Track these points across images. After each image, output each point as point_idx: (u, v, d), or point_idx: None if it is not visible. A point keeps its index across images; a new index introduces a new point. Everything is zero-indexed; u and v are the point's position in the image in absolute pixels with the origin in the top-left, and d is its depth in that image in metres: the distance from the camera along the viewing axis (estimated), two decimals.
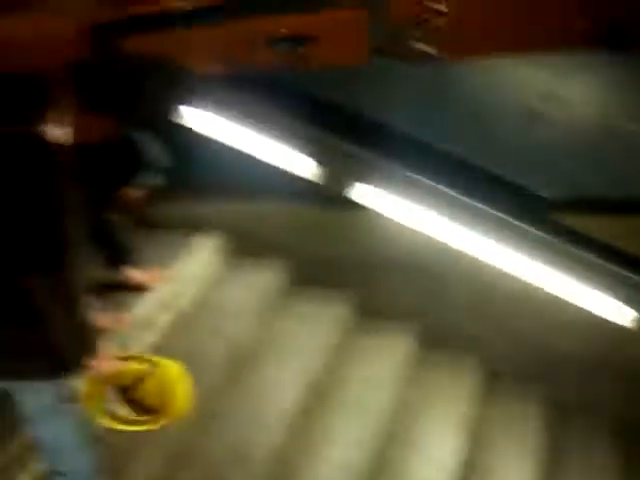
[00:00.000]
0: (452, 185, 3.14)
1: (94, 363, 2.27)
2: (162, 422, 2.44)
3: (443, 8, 3.29)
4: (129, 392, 2.46)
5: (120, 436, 2.60)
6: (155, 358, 2.52)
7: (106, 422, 2.45)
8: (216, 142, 3.43)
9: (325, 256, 3.56)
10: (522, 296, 3.25)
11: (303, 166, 3.22)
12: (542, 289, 3.06)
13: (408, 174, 3.15)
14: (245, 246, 4.10)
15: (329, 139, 3.27)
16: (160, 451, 2.93)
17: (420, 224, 3.17)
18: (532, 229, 2.94)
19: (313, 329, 3.75)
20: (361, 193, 3.19)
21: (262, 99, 3.31)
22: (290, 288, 3.95)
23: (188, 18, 3.42)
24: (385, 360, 3.83)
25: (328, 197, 3.51)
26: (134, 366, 2.48)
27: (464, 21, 3.51)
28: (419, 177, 3.13)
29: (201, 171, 3.66)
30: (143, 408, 2.46)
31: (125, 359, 2.50)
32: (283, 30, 3.75)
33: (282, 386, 3.48)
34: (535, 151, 3.21)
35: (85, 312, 2.22)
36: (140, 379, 2.46)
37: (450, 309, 3.83)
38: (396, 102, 3.33)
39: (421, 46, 3.24)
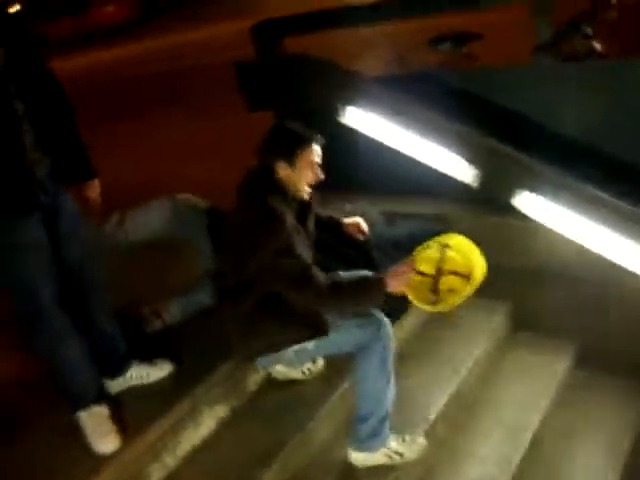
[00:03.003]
0: (621, 196, 2.99)
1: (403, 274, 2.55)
2: (479, 279, 2.65)
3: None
4: (440, 274, 2.67)
5: None
6: (440, 239, 2.73)
7: (445, 303, 2.62)
8: (379, 143, 3.44)
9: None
10: None
11: (462, 170, 3.16)
12: None
13: (575, 184, 3.04)
14: None
15: (494, 144, 3.23)
16: None
17: (583, 235, 3.11)
18: None
19: (469, 338, 3.53)
20: (525, 202, 3.10)
21: (427, 101, 3.33)
22: None
23: (350, 17, 3.63)
24: (540, 379, 3.49)
25: (491, 203, 3.41)
26: (429, 255, 2.70)
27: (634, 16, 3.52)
28: (586, 187, 3.01)
29: (364, 172, 3.66)
30: (458, 275, 2.66)
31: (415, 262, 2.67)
32: (445, 29, 3.87)
33: (429, 389, 3.20)
34: None
35: None
36: (441, 260, 2.69)
37: (614, 330, 3.52)
38: (562, 104, 3.27)
39: (589, 43, 3.24)
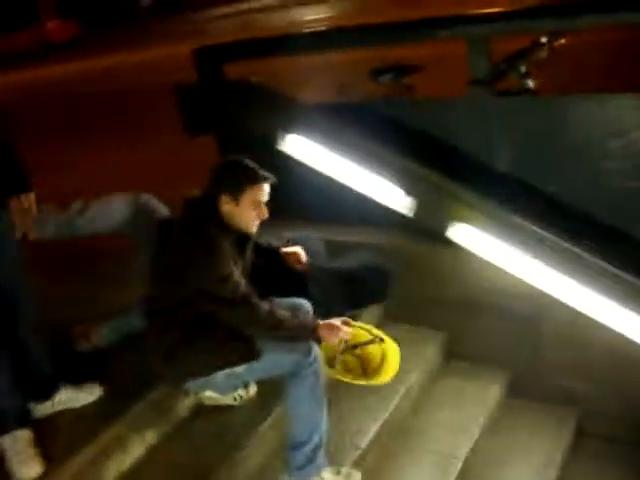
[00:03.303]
0: (551, 229, 3.07)
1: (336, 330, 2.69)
2: (374, 383, 2.87)
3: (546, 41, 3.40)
4: (355, 350, 2.90)
5: None
6: (380, 332, 2.94)
7: (337, 374, 2.82)
8: (312, 170, 3.47)
9: (414, 292, 3.45)
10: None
11: (399, 200, 3.21)
12: None
13: (509, 217, 3.11)
14: None
15: (429, 174, 3.28)
16: None
17: (517, 268, 3.16)
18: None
19: (402, 366, 3.55)
20: (460, 233, 3.17)
21: (366, 131, 3.37)
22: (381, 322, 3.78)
23: (293, 45, 3.66)
24: (472, 407, 3.53)
25: (422, 232, 3.46)
26: (367, 332, 2.92)
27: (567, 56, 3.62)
28: (518, 219, 3.09)
29: (296, 198, 3.67)
30: (361, 367, 2.89)
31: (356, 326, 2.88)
32: (388, 60, 3.93)
33: (360, 418, 3.22)
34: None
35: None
36: (367, 343, 2.92)
37: (545, 360, 3.60)
38: (493, 137, 3.35)
39: (523, 80, 3.34)
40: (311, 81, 6.02)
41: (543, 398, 3.61)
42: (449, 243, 3.43)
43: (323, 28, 5.84)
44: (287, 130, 3.78)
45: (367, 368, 2.90)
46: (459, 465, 3.14)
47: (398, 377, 3.33)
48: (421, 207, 3.41)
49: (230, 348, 2.65)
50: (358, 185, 3.58)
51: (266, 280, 2.88)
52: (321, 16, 11.72)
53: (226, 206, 2.60)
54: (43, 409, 2.84)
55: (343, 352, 2.85)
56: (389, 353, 2.90)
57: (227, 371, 2.68)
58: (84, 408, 2.88)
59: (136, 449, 2.82)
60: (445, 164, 3.58)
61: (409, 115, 3.76)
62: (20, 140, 2.72)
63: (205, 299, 2.55)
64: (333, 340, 2.70)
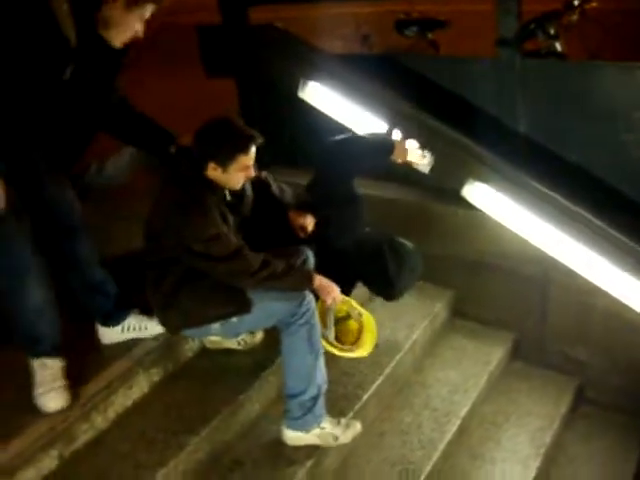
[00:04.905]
0: (567, 195, 3.04)
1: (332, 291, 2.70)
2: (356, 354, 2.94)
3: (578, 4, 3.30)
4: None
5: None
6: (359, 307, 3.00)
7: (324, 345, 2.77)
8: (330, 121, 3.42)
9: (426, 249, 3.45)
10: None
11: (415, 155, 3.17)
12: None
13: (525, 179, 3.08)
14: None
15: (447, 131, 3.24)
16: None
17: (531, 232, 3.19)
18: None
19: (409, 321, 3.57)
20: (474, 192, 3.14)
21: (383, 82, 3.32)
22: None
23: None
24: (474, 366, 3.54)
25: (437, 189, 3.43)
26: (348, 306, 2.98)
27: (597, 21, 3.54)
28: (536, 184, 3.06)
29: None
30: (339, 340, 2.90)
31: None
32: (414, 13, 3.86)
33: (364, 371, 3.22)
34: None
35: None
36: (346, 317, 3.00)
37: (551, 326, 3.60)
38: (517, 99, 3.30)
39: (551, 42, 3.27)
40: (335, 31, 5.93)
41: (546, 364, 3.63)
42: (463, 202, 3.41)
43: None
44: (308, 78, 3.73)
45: (345, 343, 2.93)
46: (457, 423, 3.16)
47: (403, 332, 3.37)
48: (438, 164, 3.38)
49: (220, 299, 2.64)
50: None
51: (266, 233, 2.86)
52: None
53: (213, 172, 2.55)
54: (111, 334, 2.84)
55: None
56: (367, 327, 2.98)
57: (221, 321, 2.69)
58: (92, 342, 2.88)
59: (142, 386, 2.85)
60: (465, 122, 3.54)
61: (430, 70, 3.69)
62: None
63: (195, 257, 2.53)
64: (329, 299, 2.71)
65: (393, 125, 3.35)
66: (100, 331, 2.85)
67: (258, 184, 2.93)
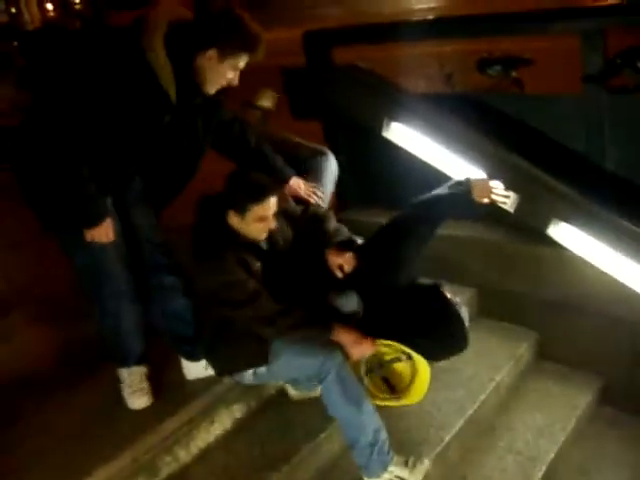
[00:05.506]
0: None
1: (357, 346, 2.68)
2: (403, 402, 2.86)
3: None
4: (381, 369, 2.87)
5: None
6: (405, 347, 2.82)
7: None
8: (415, 159, 3.42)
9: (510, 289, 3.38)
10: None
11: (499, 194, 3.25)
12: None
13: (612, 217, 3.01)
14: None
15: (533, 170, 3.20)
16: None
17: (621, 272, 3.08)
18: None
19: (493, 362, 3.50)
20: (560, 231, 3.08)
21: (465, 121, 3.31)
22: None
23: (402, 33, 3.64)
24: (560, 411, 3.44)
25: (522, 228, 3.38)
26: (393, 349, 2.84)
27: None
28: (623, 221, 2.98)
29: (398, 186, 3.66)
30: (388, 386, 2.87)
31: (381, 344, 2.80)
32: (497, 52, 3.85)
33: (446, 410, 3.18)
34: None
35: None
36: (393, 361, 2.87)
37: None
38: (604, 135, 3.24)
39: (638, 77, 3.20)
40: (417, 70, 5.97)
41: (636, 409, 3.47)
42: (549, 241, 3.35)
43: (432, 17, 5.77)
44: (392, 118, 3.76)
45: (396, 387, 2.88)
46: (543, 468, 3.07)
47: (487, 373, 3.31)
48: (523, 203, 3.33)
49: (243, 350, 2.72)
50: (458, 176, 3.52)
51: (303, 270, 2.89)
52: (431, 5, 11.58)
53: (233, 219, 2.65)
54: (196, 370, 2.97)
55: (368, 373, 2.85)
56: (419, 370, 2.83)
57: (252, 370, 2.75)
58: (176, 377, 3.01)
59: (224, 422, 2.92)
60: (550, 160, 3.49)
61: (514, 109, 3.67)
62: None
63: (216, 304, 2.66)
64: (355, 353, 2.68)
65: (478, 166, 3.35)
66: (185, 366, 2.97)
67: (312, 218, 3.00)
